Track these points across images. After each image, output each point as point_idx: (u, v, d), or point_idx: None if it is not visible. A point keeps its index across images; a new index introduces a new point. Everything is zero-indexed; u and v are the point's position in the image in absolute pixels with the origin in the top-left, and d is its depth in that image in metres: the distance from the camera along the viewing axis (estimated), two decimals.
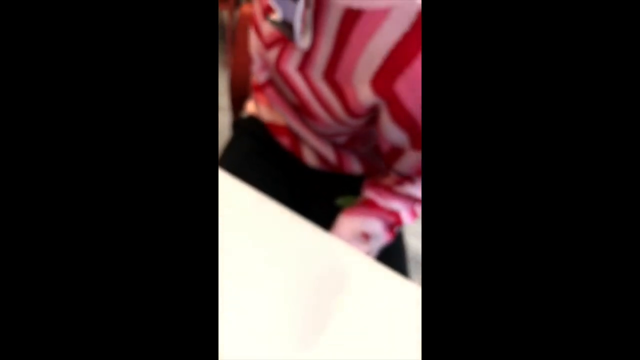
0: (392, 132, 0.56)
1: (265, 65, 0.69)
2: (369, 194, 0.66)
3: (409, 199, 0.65)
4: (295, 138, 0.76)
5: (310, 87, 0.59)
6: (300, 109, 0.65)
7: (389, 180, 0.66)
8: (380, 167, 0.77)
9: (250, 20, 0.65)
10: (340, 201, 0.73)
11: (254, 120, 0.83)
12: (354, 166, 0.75)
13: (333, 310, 0.45)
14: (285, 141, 0.77)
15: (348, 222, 0.65)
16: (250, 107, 0.86)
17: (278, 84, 0.67)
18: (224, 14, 2.84)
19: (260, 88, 0.77)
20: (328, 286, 0.46)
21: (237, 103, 0.97)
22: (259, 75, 0.74)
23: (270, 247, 0.49)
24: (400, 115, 0.53)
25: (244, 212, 0.53)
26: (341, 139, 0.69)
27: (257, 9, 0.62)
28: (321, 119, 0.62)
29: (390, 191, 0.65)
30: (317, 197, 0.77)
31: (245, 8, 0.89)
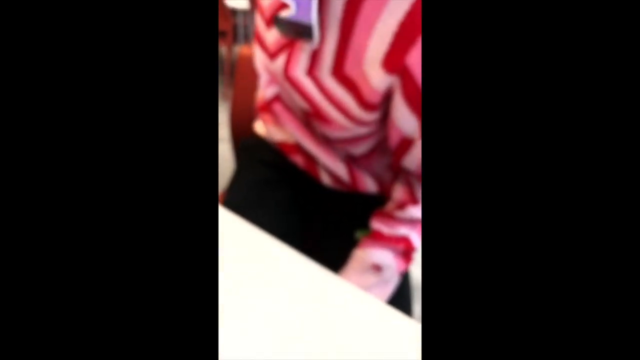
0: (403, 117, 0.55)
1: (272, 79, 0.68)
2: (375, 224, 0.66)
3: (414, 222, 0.64)
4: (309, 156, 0.74)
5: (321, 89, 0.58)
6: (313, 116, 0.64)
7: (390, 206, 0.66)
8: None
9: (255, 38, 0.66)
10: (359, 234, 0.72)
11: (262, 144, 0.80)
12: (368, 184, 0.73)
13: (336, 351, 0.45)
14: (299, 160, 0.75)
15: (358, 255, 0.65)
16: (259, 129, 0.83)
17: (287, 94, 0.66)
18: (222, 49, 2.91)
19: (266, 107, 0.75)
20: (332, 328, 0.47)
21: (238, 135, 0.98)
22: (266, 91, 0.73)
23: (275, 289, 0.50)
24: (412, 92, 0.52)
25: (246, 253, 0.53)
26: (359, 149, 0.67)
27: (259, 23, 0.62)
28: (336, 122, 0.61)
29: (392, 218, 0.64)
30: (335, 220, 0.75)
31: (244, 50, 0.92)
